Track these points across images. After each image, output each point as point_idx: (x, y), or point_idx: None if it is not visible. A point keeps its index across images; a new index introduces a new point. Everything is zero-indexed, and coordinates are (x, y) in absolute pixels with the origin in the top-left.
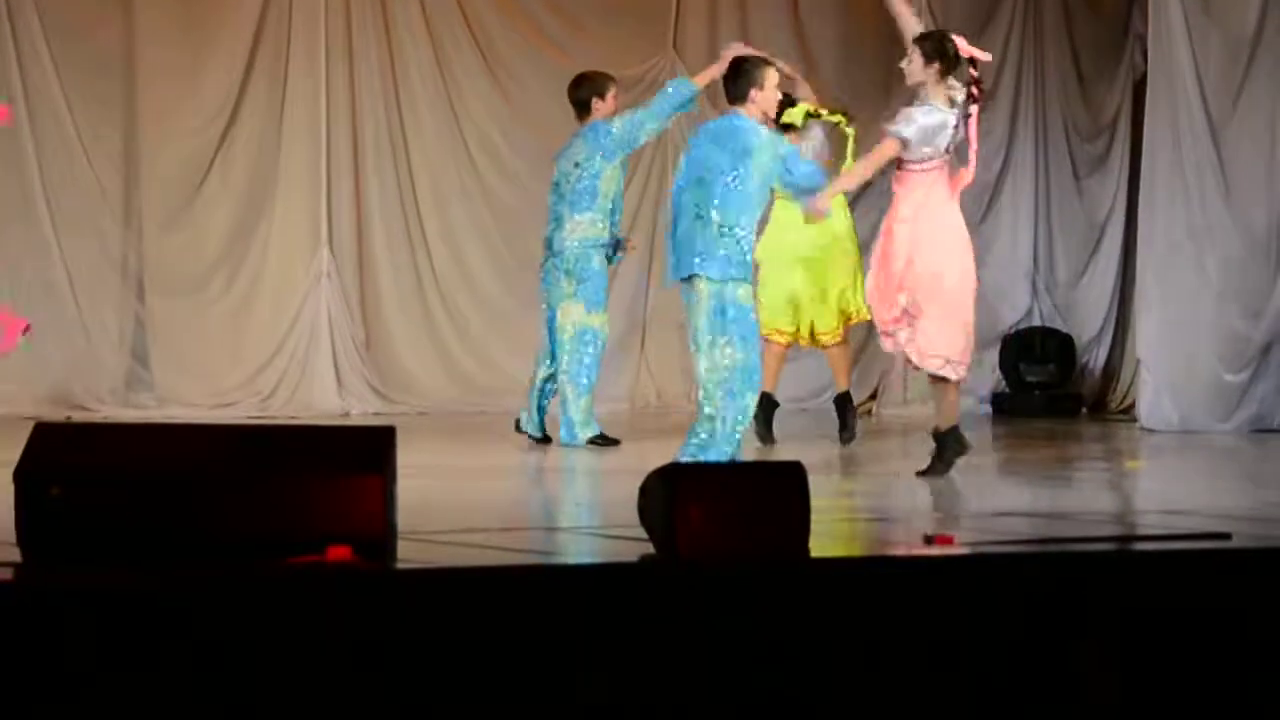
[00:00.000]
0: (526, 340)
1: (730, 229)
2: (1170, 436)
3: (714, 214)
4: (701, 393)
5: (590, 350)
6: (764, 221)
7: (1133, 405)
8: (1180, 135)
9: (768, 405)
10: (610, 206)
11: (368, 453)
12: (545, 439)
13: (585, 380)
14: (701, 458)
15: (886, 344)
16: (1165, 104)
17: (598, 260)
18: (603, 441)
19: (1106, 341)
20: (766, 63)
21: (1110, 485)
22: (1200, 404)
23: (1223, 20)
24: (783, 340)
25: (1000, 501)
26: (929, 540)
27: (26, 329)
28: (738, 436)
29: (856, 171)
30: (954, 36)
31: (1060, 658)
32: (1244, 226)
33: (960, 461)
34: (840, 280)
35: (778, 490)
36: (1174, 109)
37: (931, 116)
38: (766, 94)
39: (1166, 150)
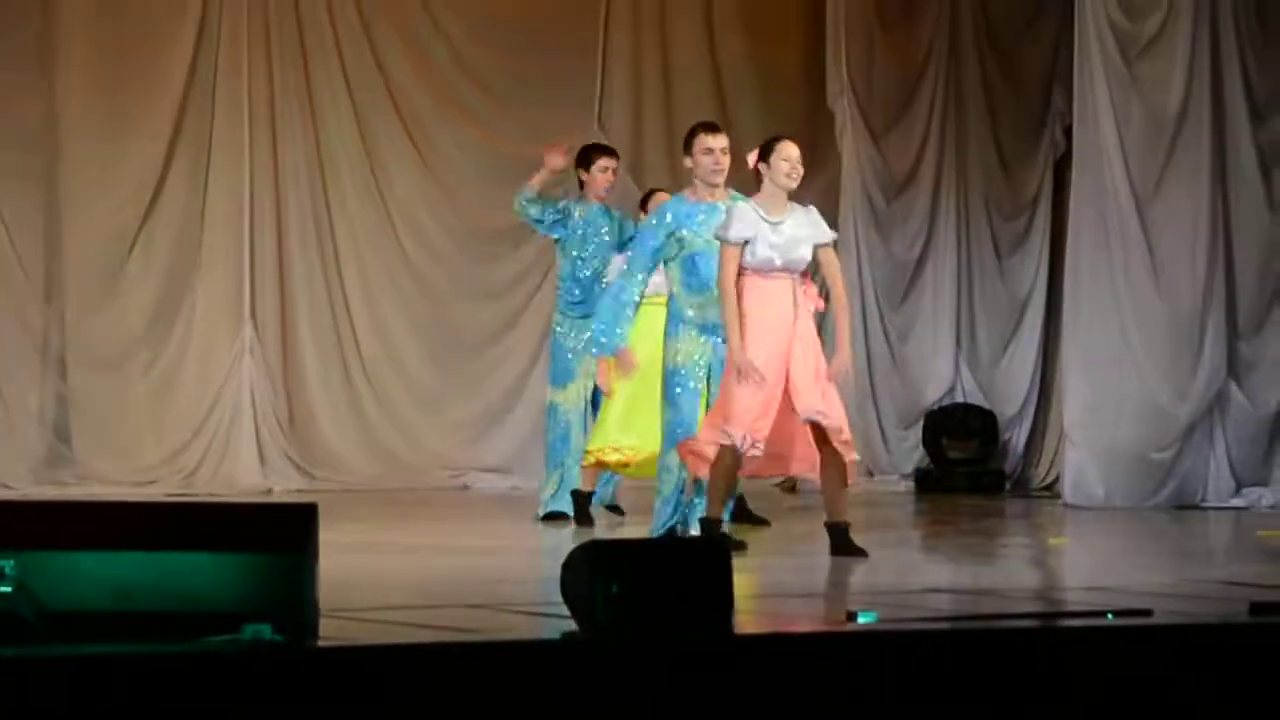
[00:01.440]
0: (450, 416)
1: None
2: (1094, 513)
3: None
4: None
5: (553, 427)
6: None
7: (1055, 481)
8: (1105, 213)
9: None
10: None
11: (290, 530)
12: (615, 509)
13: (554, 458)
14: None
15: None
16: (1090, 181)
17: (558, 337)
18: (551, 519)
19: (1029, 418)
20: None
21: (1033, 562)
22: (1125, 480)
23: (1147, 98)
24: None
25: (924, 578)
26: (852, 617)
27: None
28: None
29: None
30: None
31: None
32: (1170, 304)
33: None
34: None
35: (701, 567)
36: (1099, 186)
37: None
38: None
39: (1091, 228)
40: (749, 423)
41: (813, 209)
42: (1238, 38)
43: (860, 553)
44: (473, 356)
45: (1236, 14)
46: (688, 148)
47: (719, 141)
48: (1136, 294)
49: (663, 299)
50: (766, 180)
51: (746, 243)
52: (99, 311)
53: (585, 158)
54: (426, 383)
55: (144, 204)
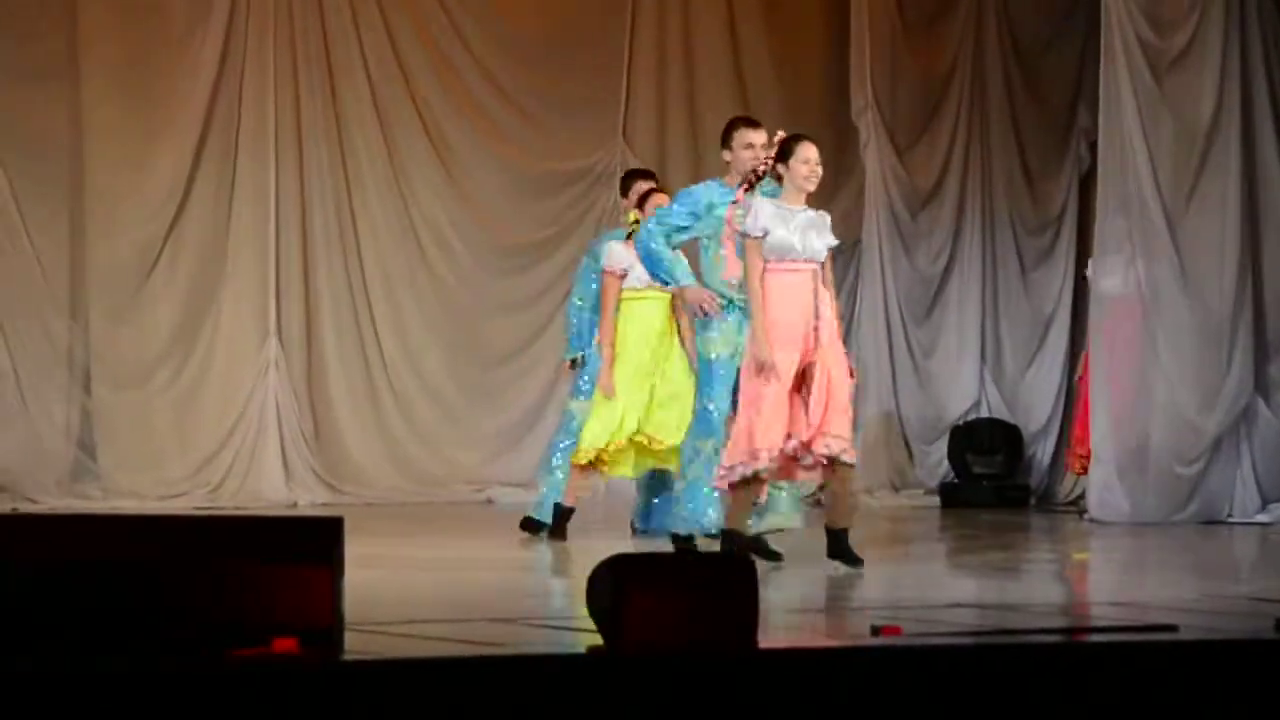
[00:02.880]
0: (474, 431)
1: None
2: (1120, 528)
3: None
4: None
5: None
6: None
7: (1081, 496)
8: (1133, 226)
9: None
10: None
11: (315, 544)
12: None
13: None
14: None
15: None
16: (1117, 195)
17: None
18: (528, 527)
19: (1054, 433)
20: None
21: (1058, 577)
22: (1151, 495)
23: (1177, 112)
24: None
25: (948, 593)
26: (877, 632)
27: None
28: None
29: None
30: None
31: None
32: (1199, 318)
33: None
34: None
35: (726, 581)
36: (1126, 200)
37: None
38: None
39: (1117, 241)
40: (772, 444)
41: (825, 214)
42: (1265, 52)
43: (857, 561)
44: (497, 371)
45: (1264, 28)
46: (727, 141)
47: (759, 137)
48: (1164, 307)
49: (657, 294)
50: (786, 180)
51: (766, 234)
52: (124, 325)
53: (623, 185)
54: (450, 397)
55: (169, 218)
